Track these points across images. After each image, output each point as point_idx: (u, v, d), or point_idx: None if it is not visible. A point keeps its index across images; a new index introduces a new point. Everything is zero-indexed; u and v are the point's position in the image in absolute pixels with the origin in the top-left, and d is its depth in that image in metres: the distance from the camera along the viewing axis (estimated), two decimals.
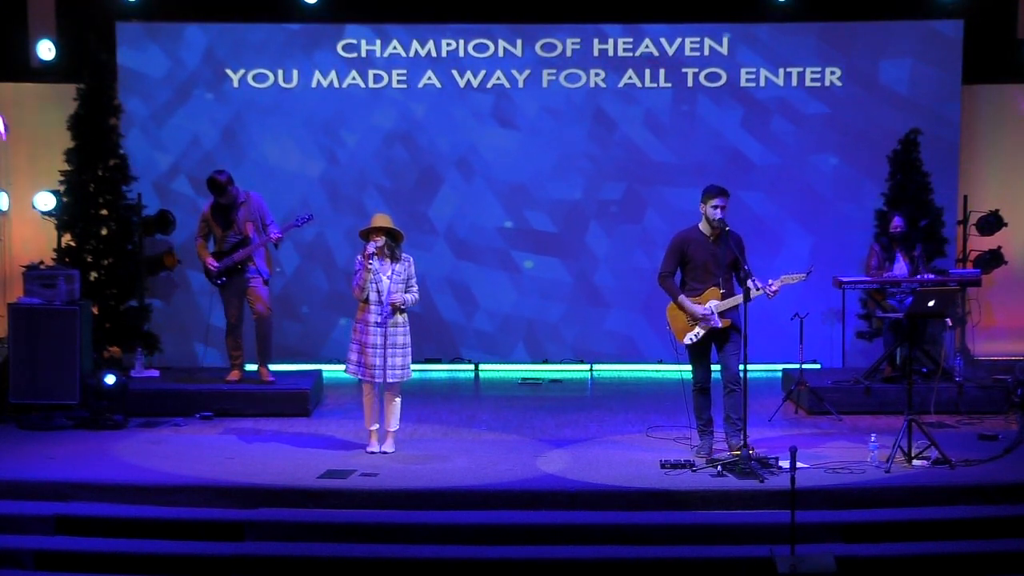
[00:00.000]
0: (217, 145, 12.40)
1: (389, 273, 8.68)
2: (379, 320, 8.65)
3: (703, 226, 8.52)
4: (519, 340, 12.60)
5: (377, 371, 8.67)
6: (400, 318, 8.74)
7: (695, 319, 8.46)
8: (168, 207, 12.18)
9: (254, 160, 12.37)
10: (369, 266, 8.62)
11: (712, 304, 8.43)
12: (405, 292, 8.72)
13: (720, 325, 8.43)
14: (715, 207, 8.41)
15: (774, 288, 8.33)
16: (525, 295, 12.57)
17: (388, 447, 8.85)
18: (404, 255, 8.78)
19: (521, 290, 12.57)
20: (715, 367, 8.66)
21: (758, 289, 8.30)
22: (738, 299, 8.35)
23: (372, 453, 8.79)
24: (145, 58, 12.33)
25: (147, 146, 12.31)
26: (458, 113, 12.50)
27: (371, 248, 8.63)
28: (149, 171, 12.23)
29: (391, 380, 8.73)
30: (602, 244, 12.55)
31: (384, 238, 8.66)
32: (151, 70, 12.35)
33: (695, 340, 8.51)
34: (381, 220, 8.73)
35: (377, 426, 8.88)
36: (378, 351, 8.66)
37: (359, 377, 8.80)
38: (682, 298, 8.51)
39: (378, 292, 8.65)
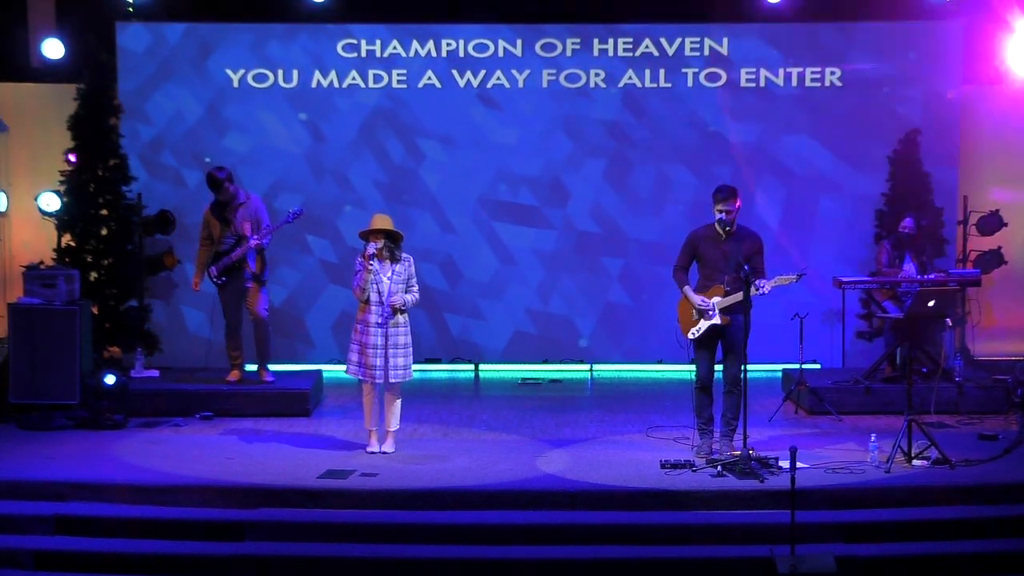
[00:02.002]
0: (202, 118, 12.40)
1: (389, 274, 8.68)
2: (380, 321, 8.66)
3: (717, 225, 8.55)
4: (500, 303, 12.60)
5: (378, 372, 8.68)
6: (401, 318, 8.75)
7: (698, 312, 8.51)
8: (155, 179, 12.21)
9: (239, 132, 12.43)
10: (370, 267, 8.62)
11: (714, 301, 8.47)
12: (405, 292, 8.73)
13: (718, 321, 8.45)
14: (720, 210, 8.47)
15: (766, 289, 8.36)
16: (507, 264, 12.57)
17: (388, 447, 8.85)
18: (404, 255, 8.78)
19: (503, 260, 12.57)
20: (719, 367, 8.70)
21: (757, 290, 8.34)
22: (736, 297, 8.38)
23: (372, 453, 8.79)
24: (143, 51, 12.35)
25: (134, 122, 12.26)
26: (447, 93, 12.51)
27: (371, 249, 8.63)
28: (135, 144, 12.19)
29: (393, 380, 8.74)
30: (584, 217, 12.53)
31: (383, 239, 8.66)
32: (149, 63, 12.36)
33: (697, 335, 8.56)
34: (381, 222, 8.72)
35: (377, 426, 8.88)
36: (379, 352, 8.67)
37: (359, 378, 8.80)
38: (687, 288, 8.62)
39: (379, 293, 8.66)
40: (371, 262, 8.62)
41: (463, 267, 12.55)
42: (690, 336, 8.60)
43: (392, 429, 8.90)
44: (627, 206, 12.48)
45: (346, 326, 12.07)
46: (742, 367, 8.38)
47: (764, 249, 8.62)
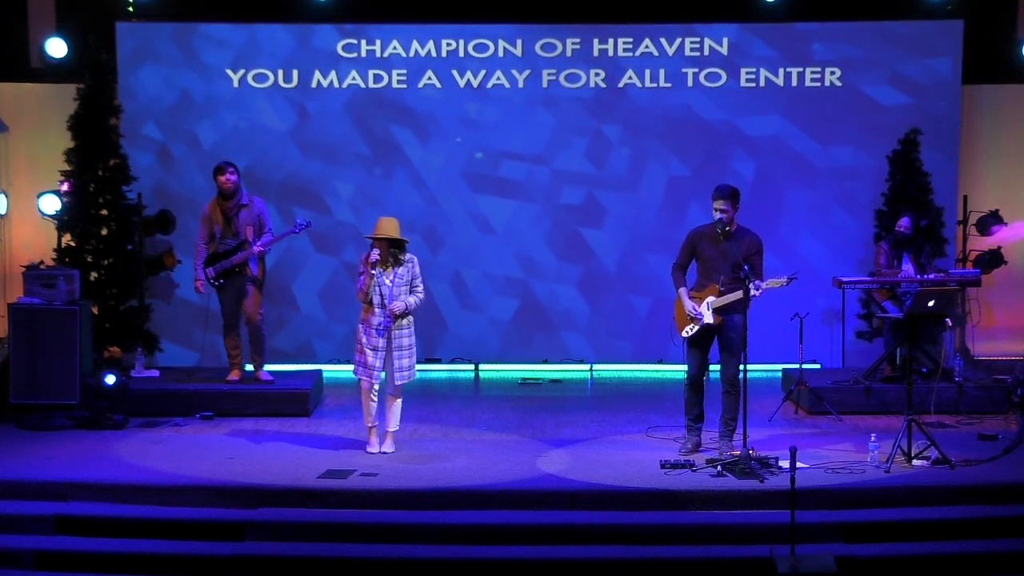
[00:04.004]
0: (186, 93, 12.42)
1: (392, 277, 8.69)
2: (380, 324, 8.68)
3: (716, 224, 8.56)
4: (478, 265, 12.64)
5: (375, 372, 8.70)
6: (404, 320, 8.76)
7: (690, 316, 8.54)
8: (139, 154, 12.23)
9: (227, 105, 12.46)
10: (372, 273, 8.63)
11: (708, 300, 8.47)
12: (410, 293, 8.74)
13: (709, 322, 8.46)
14: (716, 209, 8.49)
15: (757, 293, 8.32)
16: (490, 235, 12.62)
17: (388, 447, 8.86)
18: (408, 256, 8.78)
19: (487, 230, 12.61)
20: (716, 367, 8.70)
21: (756, 291, 8.32)
22: (730, 298, 8.40)
23: (371, 453, 8.79)
24: (141, 48, 12.39)
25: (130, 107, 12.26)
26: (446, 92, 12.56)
27: (374, 256, 8.64)
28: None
29: (398, 382, 8.76)
30: (569, 193, 12.58)
31: (386, 246, 8.67)
32: (150, 70, 12.40)
33: (691, 334, 8.59)
34: (385, 228, 8.69)
35: (377, 423, 8.89)
36: (379, 353, 8.69)
37: (360, 377, 8.81)
38: (682, 291, 8.63)
39: (381, 296, 8.67)
40: (373, 269, 8.64)
41: (446, 236, 12.57)
42: (684, 335, 8.63)
43: (392, 429, 8.90)
44: (616, 191, 12.51)
45: (332, 294, 12.42)
46: (740, 367, 8.40)
47: (764, 250, 8.61)
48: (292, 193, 12.43)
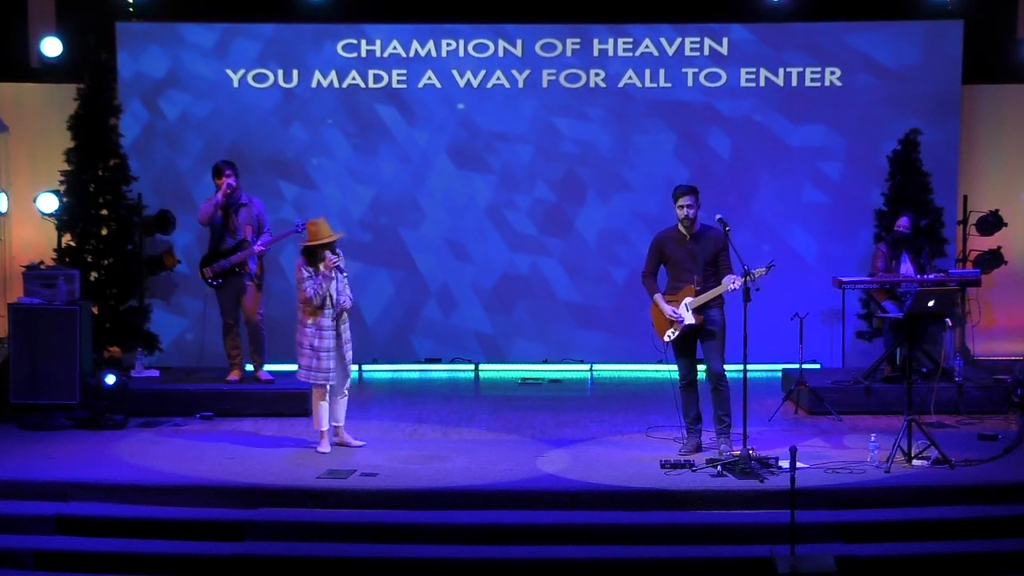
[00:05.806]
0: (208, 126, 12.47)
1: (338, 275, 8.84)
2: (332, 323, 8.78)
3: (680, 225, 8.55)
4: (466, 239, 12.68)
5: (332, 374, 8.80)
6: (343, 314, 8.90)
7: (669, 320, 8.54)
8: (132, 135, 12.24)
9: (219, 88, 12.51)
10: (333, 277, 8.74)
11: (686, 302, 8.47)
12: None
13: (690, 322, 8.46)
14: (681, 207, 8.50)
15: (736, 284, 8.30)
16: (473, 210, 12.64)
17: (359, 441, 8.98)
18: (339, 252, 8.91)
19: (473, 205, 12.64)
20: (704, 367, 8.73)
21: (734, 284, 8.31)
22: (709, 295, 8.41)
23: (323, 452, 8.83)
24: (146, 57, 12.40)
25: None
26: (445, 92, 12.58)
27: (339, 263, 8.77)
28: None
29: (350, 375, 8.97)
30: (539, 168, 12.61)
31: (334, 248, 8.79)
32: (151, 69, 12.41)
33: (673, 338, 8.59)
34: (329, 231, 8.79)
35: (329, 427, 8.96)
36: (331, 354, 8.79)
37: (313, 383, 8.84)
38: (657, 297, 8.63)
39: (330, 296, 8.75)
40: (333, 273, 8.74)
41: (429, 211, 12.58)
42: (666, 339, 8.63)
43: (341, 424, 9.00)
44: (599, 169, 12.56)
45: None
46: (724, 362, 8.46)
47: (729, 246, 8.53)
48: (276, 167, 12.43)
